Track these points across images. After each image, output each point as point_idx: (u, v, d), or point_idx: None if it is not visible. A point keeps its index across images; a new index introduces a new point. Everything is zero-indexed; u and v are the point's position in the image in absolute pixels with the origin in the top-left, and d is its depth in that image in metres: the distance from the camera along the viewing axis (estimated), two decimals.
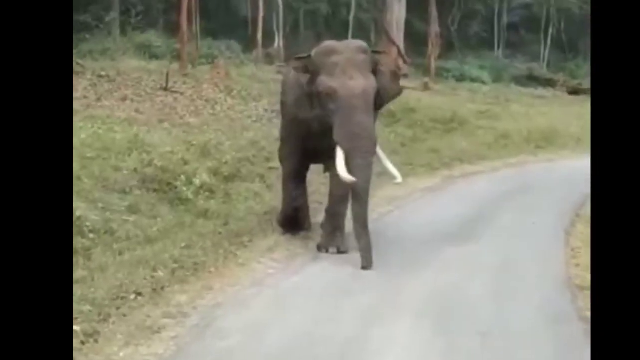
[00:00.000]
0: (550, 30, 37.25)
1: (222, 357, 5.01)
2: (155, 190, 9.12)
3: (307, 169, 8.75)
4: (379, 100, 7.90)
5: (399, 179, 8.02)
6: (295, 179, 8.54)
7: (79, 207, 7.47)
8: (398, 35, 26.96)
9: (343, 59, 7.61)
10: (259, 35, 27.54)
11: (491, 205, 11.02)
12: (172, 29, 25.30)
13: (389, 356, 5.16)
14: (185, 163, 10.15)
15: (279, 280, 6.83)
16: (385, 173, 8.31)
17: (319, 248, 7.95)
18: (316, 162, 8.63)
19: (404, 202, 10.51)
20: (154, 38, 26.19)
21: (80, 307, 5.21)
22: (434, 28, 28.91)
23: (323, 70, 7.62)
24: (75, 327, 4.95)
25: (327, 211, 8.20)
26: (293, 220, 8.58)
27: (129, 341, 5.11)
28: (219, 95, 17.73)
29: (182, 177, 9.45)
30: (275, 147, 11.70)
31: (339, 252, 7.80)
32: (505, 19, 37.63)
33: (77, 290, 5.52)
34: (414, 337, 5.56)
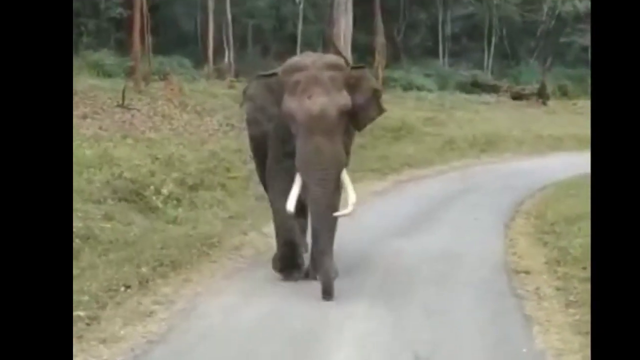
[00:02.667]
0: (493, 38, 38.24)
1: (207, 332, 5.78)
2: (126, 200, 9.69)
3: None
4: (355, 121, 7.19)
5: (348, 210, 6.90)
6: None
7: None
8: (345, 47, 27.63)
9: (305, 76, 6.66)
10: (210, 50, 28.13)
11: (437, 205, 11.88)
12: (124, 47, 25.82)
13: (348, 329, 5.91)
14: (152, 175, 10.83)
15: (249, 273, 7.56)
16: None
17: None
18: None
19: (356, 204, 11.20)
20: (106, 56, 26.62)
21: (79, 298, 5.89)
22: (380, 39, 29.65)
23: (286, 89, 6.75)
24: (80, 313, 5.68)
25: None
26: (289, 259, 7.37)
27: (127, 322, 5.83)
28: (174, 111, 18.27)
29: (151, 187, 10.13)
30: (233, 157, 12.52)
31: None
32: (448, 28, 38.56)
33: (74, 285, 6.18)
34: (369, 313, 6.33)
